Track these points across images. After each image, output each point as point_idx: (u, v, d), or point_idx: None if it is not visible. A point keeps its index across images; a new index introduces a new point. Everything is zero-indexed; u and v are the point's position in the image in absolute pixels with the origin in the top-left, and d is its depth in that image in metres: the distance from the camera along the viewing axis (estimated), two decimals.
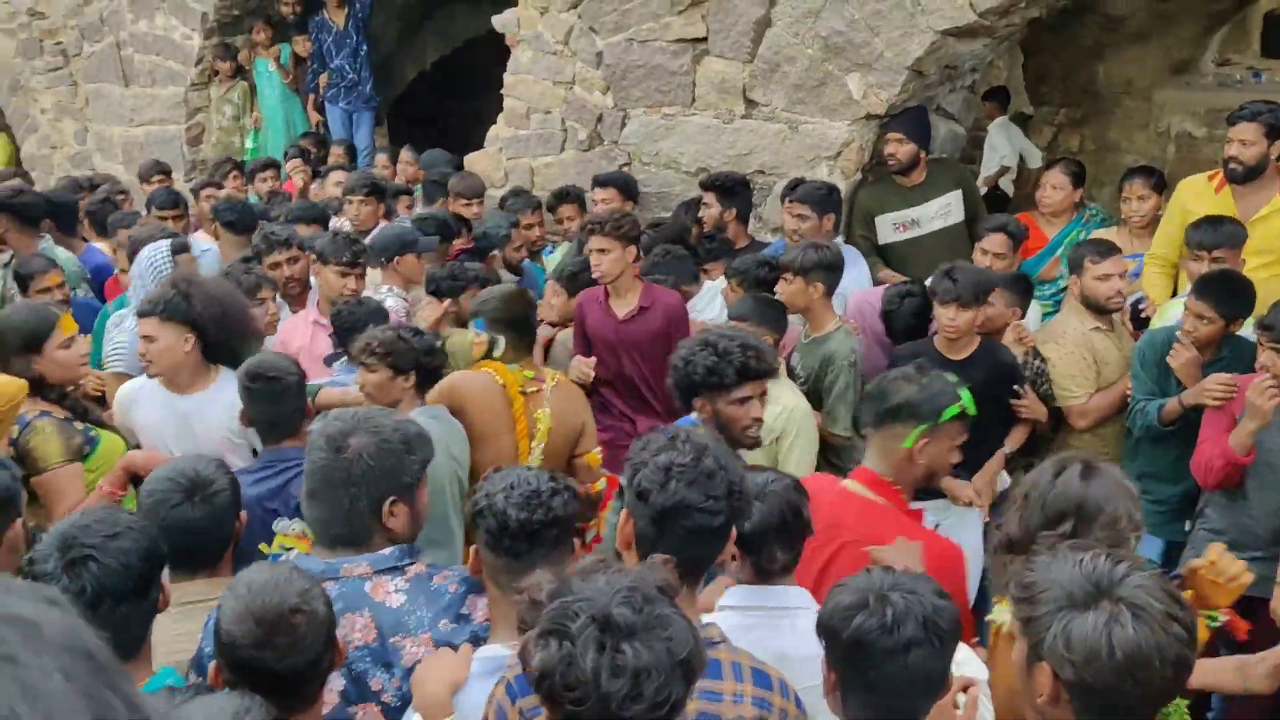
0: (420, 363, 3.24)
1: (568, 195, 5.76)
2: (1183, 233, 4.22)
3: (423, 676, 2.02)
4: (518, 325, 3.57)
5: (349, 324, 3.73)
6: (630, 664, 1.45)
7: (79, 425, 3.17)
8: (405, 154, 7.26)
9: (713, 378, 2.93)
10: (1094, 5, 6.84)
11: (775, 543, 2.30)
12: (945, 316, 3.84)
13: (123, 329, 4.01)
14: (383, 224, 5.41)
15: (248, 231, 5.11)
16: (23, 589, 0.79)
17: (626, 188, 5.59)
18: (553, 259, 5.72)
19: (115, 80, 8.81)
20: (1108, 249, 4.13)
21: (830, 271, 4.02)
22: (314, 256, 4.42)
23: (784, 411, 3.51)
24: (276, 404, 3.00)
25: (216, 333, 3.30)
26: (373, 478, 2.20)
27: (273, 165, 7.22)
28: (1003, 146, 7.86)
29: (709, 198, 5.23)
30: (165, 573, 2.04)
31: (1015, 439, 4.05)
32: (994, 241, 4.55)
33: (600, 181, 5.62)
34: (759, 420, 3.02)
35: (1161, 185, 4.85)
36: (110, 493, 2.97)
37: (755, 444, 3.09)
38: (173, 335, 3.23)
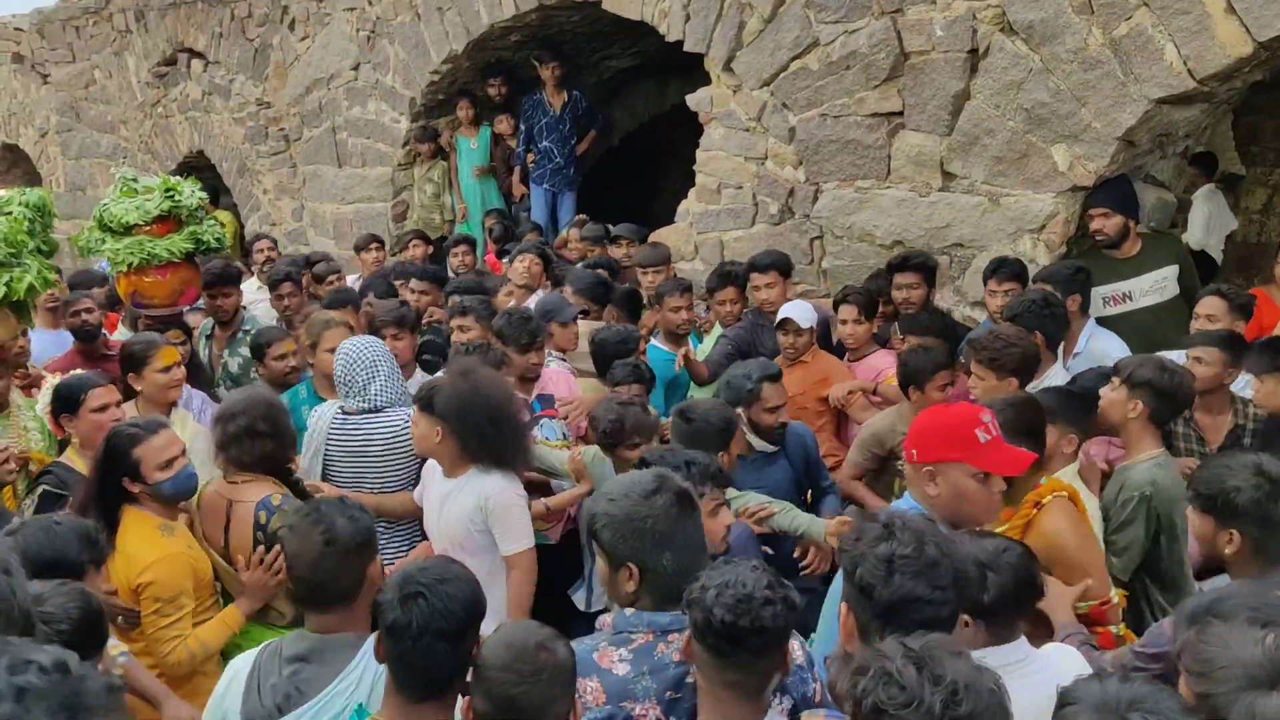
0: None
1: (731, 278, 5.42)
2: None
3: None
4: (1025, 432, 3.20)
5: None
6: (949, 676, 1.49)
7: None
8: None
9: None
10: None
11: (1013, 611, 2.36)
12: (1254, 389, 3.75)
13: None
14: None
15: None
16: None
17: (784, 268, 5.40)
18: (703, 349, 5.46)
19: (330, 162, 9.52)
20: None
21: (1160, 397, 3.51)
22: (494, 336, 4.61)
23: None
24: None
25: (459, 431, 3.40)
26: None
27: (467, 242, 7.65)
28: (1199, 230, 7.56)
29: (911, 278, 5.07)
30: (484, 626, 2.20)
31: None
32: (1212, 305, 4.34)
33: (759, 266, 5.34)
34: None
35: None
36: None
37: None
38: (425, 426, 3.47)
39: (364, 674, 2.35)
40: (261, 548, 3.26)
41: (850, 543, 1.99)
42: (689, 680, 2.20)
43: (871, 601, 1.89)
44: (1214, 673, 1.66)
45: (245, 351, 5.63)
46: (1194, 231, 7.70)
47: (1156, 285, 4.94)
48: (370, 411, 4.03)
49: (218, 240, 5.46)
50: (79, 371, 4.27)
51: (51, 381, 4.16)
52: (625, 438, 3.76)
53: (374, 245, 7.68)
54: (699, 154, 6.53)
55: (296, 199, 10.00)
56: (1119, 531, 3.47)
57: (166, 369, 4.25)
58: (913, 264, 5.09)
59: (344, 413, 4.07)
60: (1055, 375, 4.18)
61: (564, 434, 4.48)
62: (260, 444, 3.38)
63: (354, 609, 2.46)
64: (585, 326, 5.17)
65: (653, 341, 5.26)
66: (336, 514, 2.50)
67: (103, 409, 3.85)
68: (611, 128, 9.29)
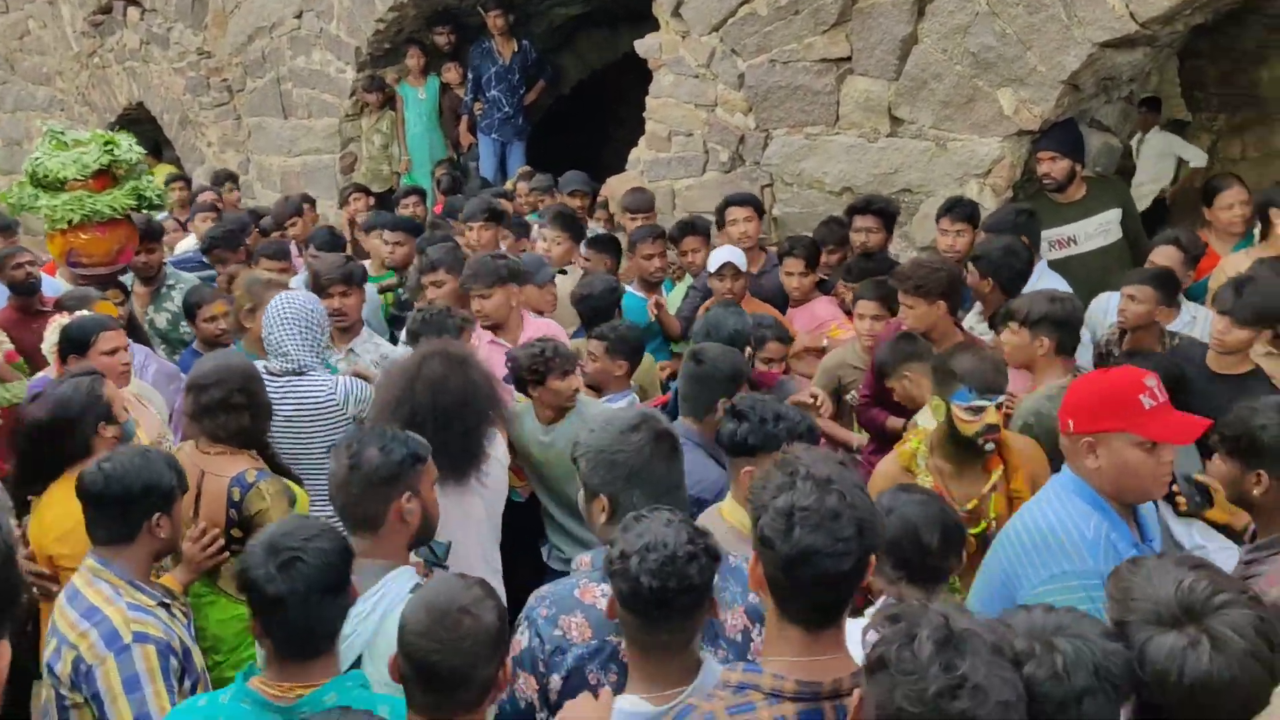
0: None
1: (692, 227, 5.40)
2: None
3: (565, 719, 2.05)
4: None
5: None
6: (963, 670, 1.47)
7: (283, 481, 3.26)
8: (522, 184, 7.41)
9: None
10: (1259, 5, 6.53)
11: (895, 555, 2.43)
12: (1217, 327, 3.63)
13: None
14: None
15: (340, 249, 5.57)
16: None
17: (759, 206, 5.48)
18: (673, 296, 5.49)
19: (275, 113, 9.32)
20: None
21: (1060, 326, 3.54)
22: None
23: None
24: None
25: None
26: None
27: (416, 193, 7.48)
28: (1153, 166, 7.62)
29: (871, 222, 5.05)
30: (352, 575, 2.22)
31: None
32: (1166, 254, 4.36)
33: (735, 201, 5.39)
34: None
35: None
36: None
37: None
38: None
39: (377, 604, 2.36)
40: (205, 524, 3.09)
41: (756, 491, 1.90)
42: None
43: (773, 554, 1.82)
44: (1128, 601, 1.70)
45: (171, 307, 5.54)
46: (1188, 154, 7.72)
47: (1101, 229, 5.01)
48: (294, 374, 3.82)
49: (159, 197, 5.32)
50: (88, 313, 4.09)
51: (60, 321, 4.03)
52: (551, 368, 3.67)
53: (294, 219, 7.04)
54: (649, 101, 6.47)
55: (242, 152, 9.79)
56: None
57: None
58: (874, 208, 5.08)
59: (269, 373, 3.78)
60: None
61: None
62: (236, 417, 3.20)
63: (379, 538, 2.46)
64: (564, 283, 5.12)
65: (628, 289, 5.25)
66: (371, 443, 2.49)
67: (112, 352, 3.76)
68: (560, 77, 9.17)
